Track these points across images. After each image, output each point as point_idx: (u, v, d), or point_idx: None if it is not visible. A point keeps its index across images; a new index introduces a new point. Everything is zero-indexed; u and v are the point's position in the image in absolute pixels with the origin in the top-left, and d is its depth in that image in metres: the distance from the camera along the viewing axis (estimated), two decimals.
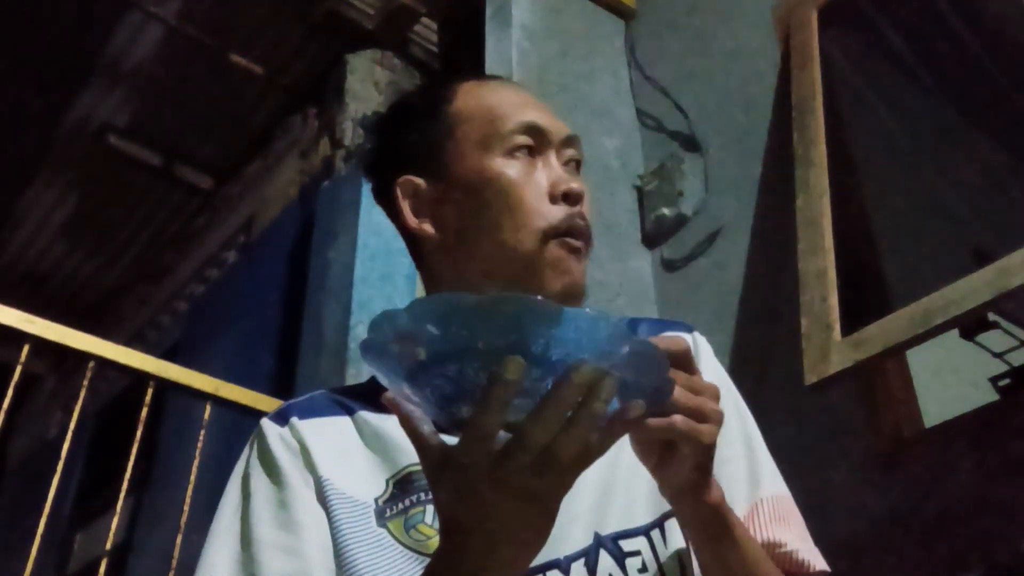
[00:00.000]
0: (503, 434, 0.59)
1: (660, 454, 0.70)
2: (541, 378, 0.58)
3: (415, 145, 0.95)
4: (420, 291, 0.95)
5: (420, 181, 0.93)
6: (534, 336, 0.57)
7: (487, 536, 0.61)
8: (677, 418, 0.66)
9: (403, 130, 0.97)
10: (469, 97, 0.94)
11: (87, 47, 3.93)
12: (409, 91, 1.03)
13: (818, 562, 0.84)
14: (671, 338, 0.70)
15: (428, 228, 0.92)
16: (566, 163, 0.92)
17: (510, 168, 0.88)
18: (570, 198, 0.88)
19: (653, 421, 0.66)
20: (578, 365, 0.58)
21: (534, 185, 0.88)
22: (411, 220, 0.93)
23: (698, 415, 0.67)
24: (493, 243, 0.87)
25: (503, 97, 0.94)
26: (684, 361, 0.69)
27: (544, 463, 0.59)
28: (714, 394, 0.70)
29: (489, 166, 0.89)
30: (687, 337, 0.93)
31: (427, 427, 0.63)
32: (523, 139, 0.89)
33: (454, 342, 0.58)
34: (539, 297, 0.58)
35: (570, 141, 0.93)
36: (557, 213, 0.87)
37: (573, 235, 0.87)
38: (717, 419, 0.69)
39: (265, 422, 0.87)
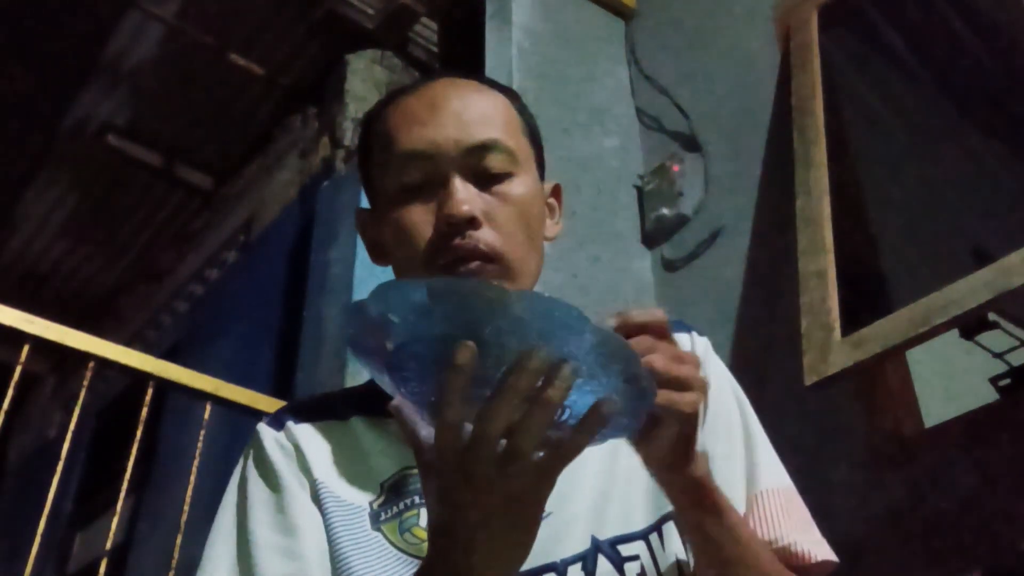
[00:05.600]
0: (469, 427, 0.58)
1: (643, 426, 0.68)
2: (498, 366, 0.57)
3: (361, 171, 0.95)
4: None
5: (368, 211, 0.94)
6: (484, 321, 0.56)
7: (466, 537, 0.60)
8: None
9: (359, 152, 0.96)
10: (381, 123, 0.91)
11: (87, 47, 3.93)
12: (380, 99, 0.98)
13: (819, 552, 0.82)
14: (641, 311, 0.67)
15: (379, 260, 0.92)
16: (479, 174, 0.85)
17: (399, 207, 0.85)
18: (449, 225, 0.82)
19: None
20: (530, 352, 0.56)
21: (417, 223, 0.84)
22: (367, 250, 0.93)
23: (678, 384, 0.65)
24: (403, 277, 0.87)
25: (401, 120, 0.88)
26: (660, 332, 0.67)
27: (507, 457, 0.58)
28: (695, 362, 0.68)
29: (387, 203, 0.87)
30: (684, 337, 0.93)
31: (425, 431, 0.62)
32: (409, 175, 0.85)
33: (412, 330, 0.57)
34: (493, 282, 0.57)
35: (479, 150, 0.85)
36: (436, 247, 0.82)
37: (457, 263, 0.81)
38: (700, 386, 0.67)
39: (261, 426, 0.87)
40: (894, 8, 2.15)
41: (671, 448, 0.68)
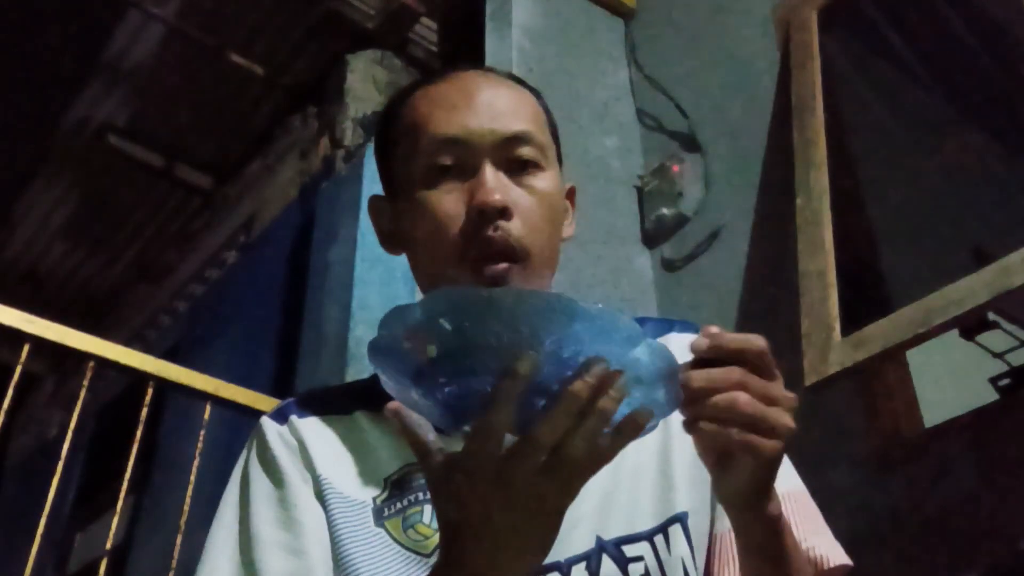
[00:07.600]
0: (508, 437, 0.59)
1: (718, 457, 0.67)
2: (551, 376, 0.58)
3: (379, 159, 0.95)
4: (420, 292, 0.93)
5: (385, 199, 0.93)
6: (547, 332, 0.57)
7: (490, 542, 0.60)
8: (734, 430, 0.63)
9: (378, 139, 0.96)
10: (408, 108, 0.90)
11: (87, 47, 3.94)
12: (398, 89, 0.97)
13: (835, 556, 0.82)
14: (738, 336, 0.65)
15: (393, 248, 0.92)
16: (510, 165, 0.85)
17: (427, 191, 0.84)
18: (482, 214, 0.81)
19: (707, 426, 0.63)
20: (591, 362, 0.57)
21: (447, 208, 0.83)
22: (380, 239, 0.93)
23: (763, 427, 0.64)
24: (424, 269, 0.87)
25: (432, 105, 0.87)
26: (760, 363, 0.65)
27: (553, 464, 0.58)
28: (789, 405, 0.66)
29: (412, 188, 0.86)
30: (690, 336, 0.92)
31: (431, 435, 0.62)
32: (440, 158, 0.84)
33: (466, 338, 0.57)
34: (554, 292, 0.57)
35: (512, 141, 0.85)
36: (467, 236, 0.81)
37: (486, 259, 0.81)
38: (785, 433, 0.65)
39: (265, 420, 0.87)
40: (894, 8, 2.15)
41: (742, 487, 0.67)
